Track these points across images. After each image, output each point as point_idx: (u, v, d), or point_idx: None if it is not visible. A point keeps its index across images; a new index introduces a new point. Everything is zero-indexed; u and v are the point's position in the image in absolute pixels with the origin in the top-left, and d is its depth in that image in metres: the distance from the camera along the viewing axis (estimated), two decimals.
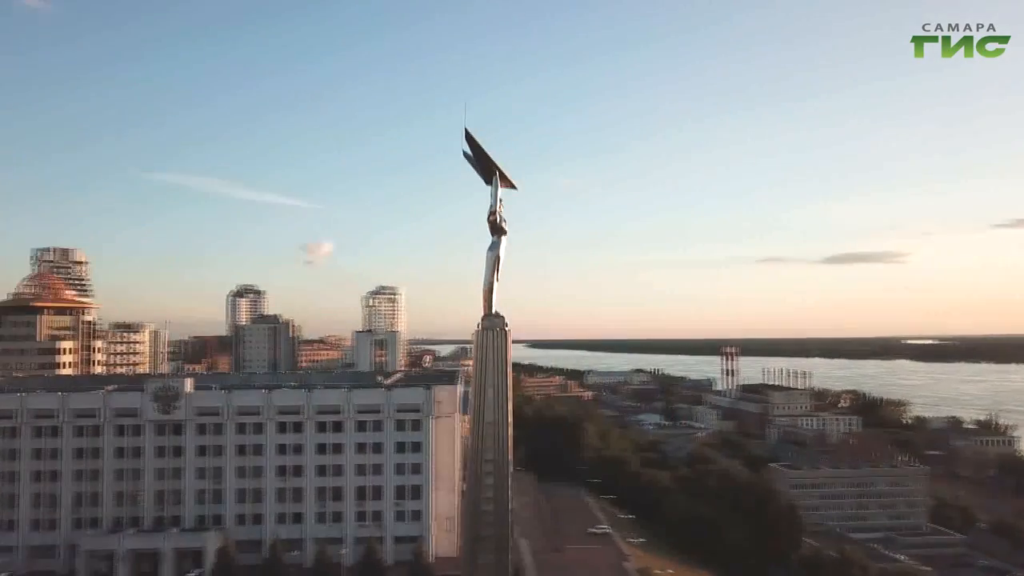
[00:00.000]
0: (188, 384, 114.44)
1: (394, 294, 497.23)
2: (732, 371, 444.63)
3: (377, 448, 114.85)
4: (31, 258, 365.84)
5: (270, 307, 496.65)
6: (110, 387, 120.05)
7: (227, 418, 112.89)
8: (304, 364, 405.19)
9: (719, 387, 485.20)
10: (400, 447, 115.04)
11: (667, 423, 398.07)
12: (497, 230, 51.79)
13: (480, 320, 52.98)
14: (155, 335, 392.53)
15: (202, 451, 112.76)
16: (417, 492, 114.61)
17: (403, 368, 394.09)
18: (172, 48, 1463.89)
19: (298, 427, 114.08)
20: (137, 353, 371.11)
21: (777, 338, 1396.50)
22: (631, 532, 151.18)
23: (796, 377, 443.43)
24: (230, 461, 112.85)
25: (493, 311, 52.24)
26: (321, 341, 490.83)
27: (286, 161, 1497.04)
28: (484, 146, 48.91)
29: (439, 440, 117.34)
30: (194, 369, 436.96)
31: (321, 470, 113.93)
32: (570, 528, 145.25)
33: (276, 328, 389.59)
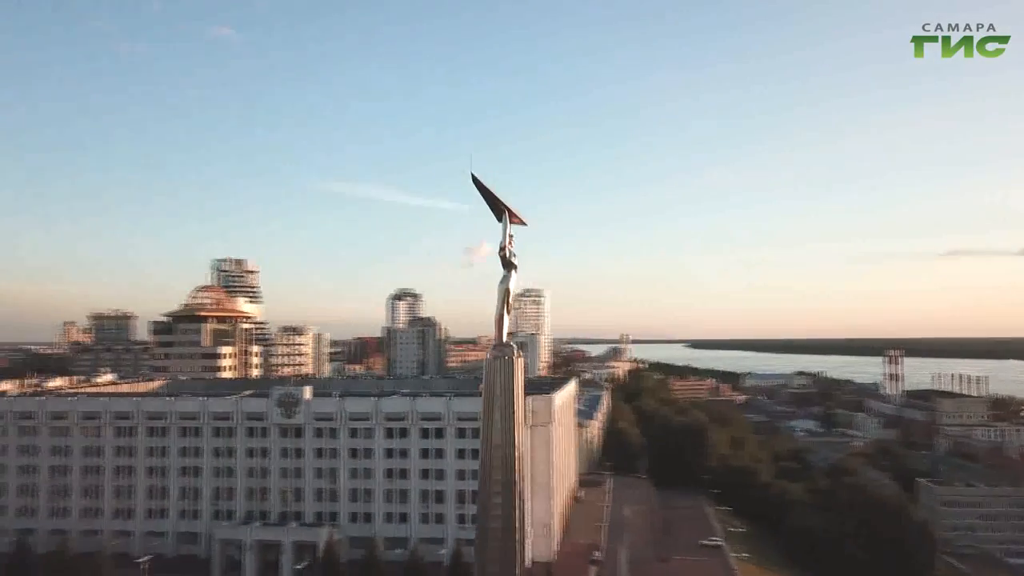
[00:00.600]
0: (307, 392, 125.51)
1: (539, 296, 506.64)
2: (896, 375, 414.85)
3: (475, 454, 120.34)
4: (211, 268, 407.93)
5: (426, 309, 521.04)
6: (246, 392, 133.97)
7: (340, 423, 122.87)
8: (452, 364, 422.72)
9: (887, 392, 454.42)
10: None
11: (820, 430, 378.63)
12: (507, 265, 54.94)
13: (491, 348, 56.51)
14: (318, 338, 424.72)
15: (319, 453, 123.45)
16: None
17: (544, 371, 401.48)
18: (340, 65, 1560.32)
19: (404, 433, 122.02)
20: (301, 355, 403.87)
21: (967, 337, 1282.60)
22: (748, 545, 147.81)
23: (971, 383, 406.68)
24: (343, 463, 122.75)
25: (503, 340, 55.69)
26: (473, 342, 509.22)
27: (448, 166, 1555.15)
28: (497, 179, 52.56)
29: (535, 448, 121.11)
30: (354, 369, 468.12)
31: (424, 473, 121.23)
32: (682, 539, 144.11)
33: (424, 331, 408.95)
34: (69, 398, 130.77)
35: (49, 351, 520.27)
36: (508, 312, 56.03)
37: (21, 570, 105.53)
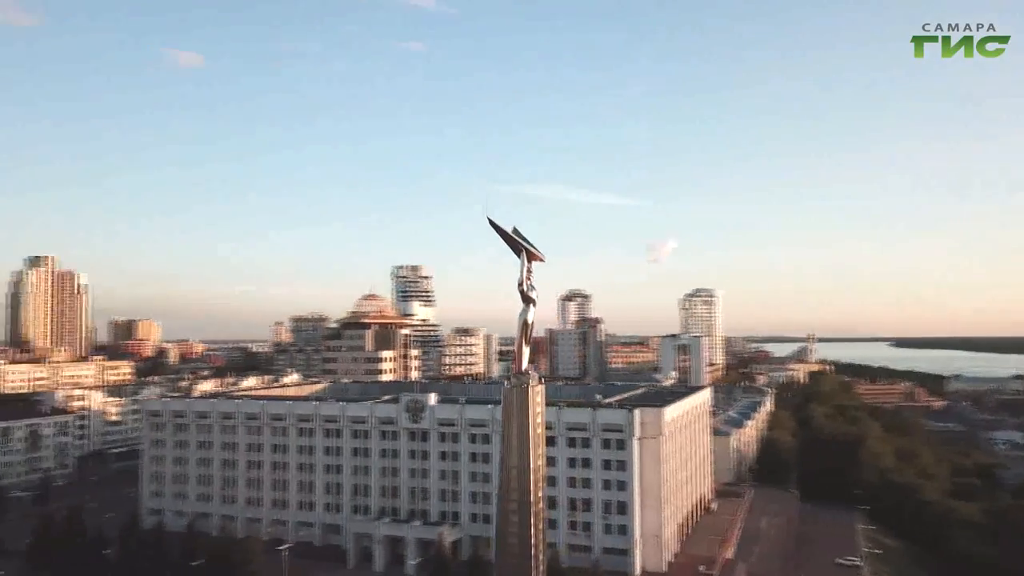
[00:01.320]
0: (432, 398, 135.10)
1: (711, 296, 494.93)
2: None
3: (586, 463, 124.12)
4: (391, 273, 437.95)
5: (597, 309, 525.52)
6: (385, 398, 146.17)
7: (461, 428, 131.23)
8: (617, 365, 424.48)
9: None
10: (606, 464, 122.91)
11: None
12: (526, 299, 58.86)
13: (510, 377, 60.67)
14: (488, 339, 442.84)
15: (443, 456, 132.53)
16: (623, 508, 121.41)
17: (712, 374, 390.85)
18: (512, 64, 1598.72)
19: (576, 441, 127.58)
20: (473, 355, 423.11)
21: None
22: (893, 568, 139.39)
23: None
24: (465, 466, 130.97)
25: (522, 369, 59.56)
26: (643, 343, 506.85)
27: (625, 162, 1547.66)
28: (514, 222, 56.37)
29: (645, 460, 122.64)
30: None
31: None
32: (816, 556, 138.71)
33: (586, 332, 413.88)
34: (236, 401, 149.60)
35: (259, 350, 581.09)
36: (527, 343, 60.05)
37: (192, 547, 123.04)
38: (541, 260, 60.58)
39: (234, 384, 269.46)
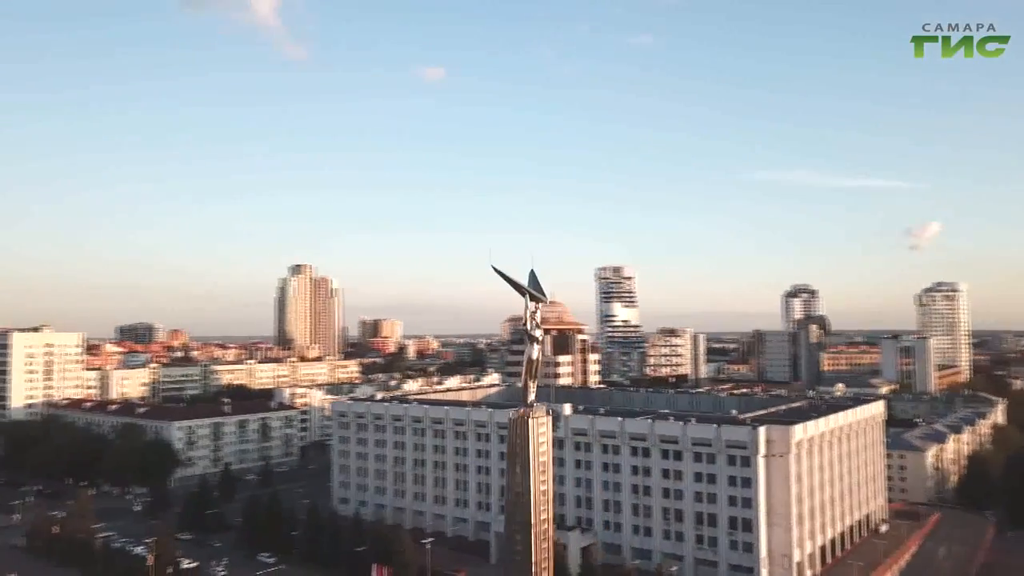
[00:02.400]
0: (567, 408, 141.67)
1: (953, 291, 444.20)
2: None
3: (712, 479, 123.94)
4: (594, 276, 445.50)
5: (825, 307, 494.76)
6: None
7: (593, 439, 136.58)
8: (836, 368, 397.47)
9: None
10: (731, 480, 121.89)
11: None
12: (531, 339, 63.90)
13: (517, 408, 65.93)
14: (695, 338, 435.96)
15: (577, 464, 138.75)
16: (748, 526, 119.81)
17: (945, 378, 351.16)
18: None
19: (646, 452, 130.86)
20: (678, 356, 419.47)
21: None
22: None
23: None
24: (597, 475, 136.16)
25: (527, 401, 64.50)
26: (872, 343, 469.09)
27: (882, 142, 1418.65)
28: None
29: (773, 478, 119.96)
30: (738, 370, 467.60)
31: (665, 492, 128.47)
32: None
33: (796, 333, 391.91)
34: (405, 405, 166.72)
35: (484, 346, 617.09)
36: (531, 378, 65.29)
37: (359, 533, 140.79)
38: (543, 301, 65.53)
39: (439, 383, 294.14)
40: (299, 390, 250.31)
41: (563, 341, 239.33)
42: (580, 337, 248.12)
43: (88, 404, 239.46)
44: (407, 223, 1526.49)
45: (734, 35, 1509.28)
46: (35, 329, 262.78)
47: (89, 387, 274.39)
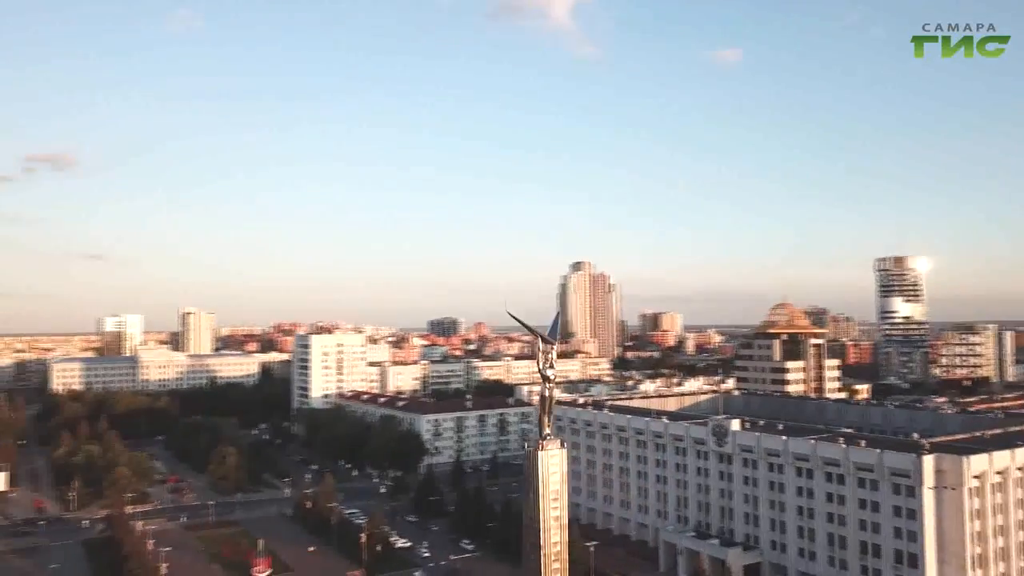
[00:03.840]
0: (735, 424, 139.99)
1: None
2: None
3: (875, 507, 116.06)
4: (873, 267, 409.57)
5: None
6: (698, 421, 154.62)
7: (759, 456, 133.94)
8: None
9: None
10: (896, 511, 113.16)
11: None
12: (545, 379, 69.65)
13: (532, 439, 72.05)
14: (1000, 336, 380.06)
15: (745, 481, 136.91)
16: (914, 562, 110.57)
17: None
18: None
19: (810, 473, 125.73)
20: (977, 356, 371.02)
21: None
22: None
23: None
24: (763, 493, 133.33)
25: (542, 435, 70.08)
26: None
27: None
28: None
29: (945, 512, 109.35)
30: None
31: (829, 517, 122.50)
32: None
33: None
34: (607, 413, 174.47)
35: None
36: (546, 415, 71.61)
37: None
38: (554, 344, 70.88)
39: (678, 384, 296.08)
40: (536, 387, 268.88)
41: (794, 347, 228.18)
42: (814, 342, 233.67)
43: (365, 396, 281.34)
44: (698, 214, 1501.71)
45: None
46: (328, 331, 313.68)
47: (371, 380, 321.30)
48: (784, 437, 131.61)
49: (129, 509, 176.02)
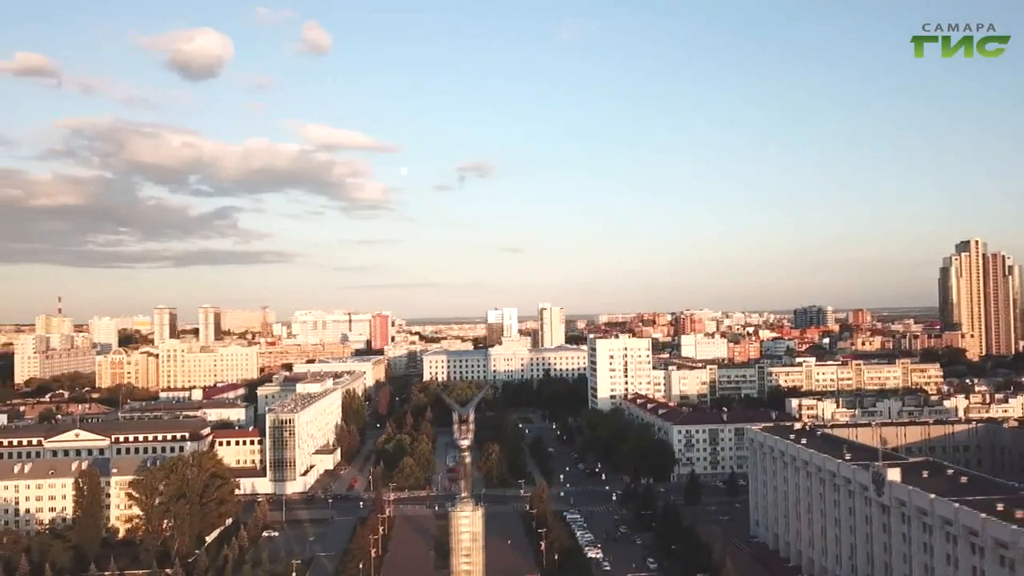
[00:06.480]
0: (892, 473, 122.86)
1: None
2: None
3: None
4: None
5: None
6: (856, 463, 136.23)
7: (912, 514, 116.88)
8: None
9: None
10: None
11: None
12: (460, 448, 76.98)
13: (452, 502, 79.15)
14: None
15: (903, 538, 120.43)
16: None
17: None
18: None
19: (955, 540, 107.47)
20: None
21: None
22: None
23: None
24: (916, 555, 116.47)
25: (459, 498, 76.96)
26: None
27: None
28: None
29: None
30: None
31: None
32: None
33: None
34: (787, 441, 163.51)
35: None
36: (464, 479, 79.31)
37: (723, 556, 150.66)
38: (468, 416, 77.42)
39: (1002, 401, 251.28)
40: (807, 401, 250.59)
41: None
42: None
43: (640, 400, 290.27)
44: None
45: None
46: (619, 333, 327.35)
47: (657, 384, 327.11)
48: (932, 496, 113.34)
49: (405, 495, 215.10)
